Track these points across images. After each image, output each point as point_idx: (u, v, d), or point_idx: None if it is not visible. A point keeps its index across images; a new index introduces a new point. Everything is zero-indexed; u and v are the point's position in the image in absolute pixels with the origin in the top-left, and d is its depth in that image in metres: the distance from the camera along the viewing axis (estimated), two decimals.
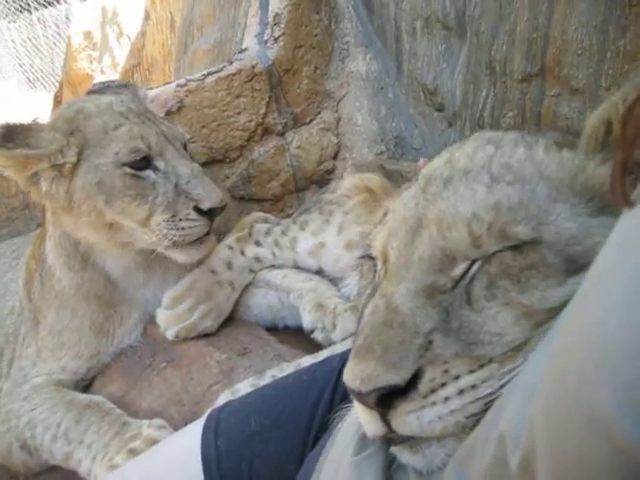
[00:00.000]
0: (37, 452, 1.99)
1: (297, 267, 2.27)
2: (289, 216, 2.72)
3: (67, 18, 11.43)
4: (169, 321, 2.13)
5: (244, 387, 1.75)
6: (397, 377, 0.78)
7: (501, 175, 0.90)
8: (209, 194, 1.99)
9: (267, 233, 2.32)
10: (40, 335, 2.12)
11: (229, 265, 2.28)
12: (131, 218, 1.96)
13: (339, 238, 2.14)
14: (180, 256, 2.05)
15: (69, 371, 2.11)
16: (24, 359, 2.12)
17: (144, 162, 1.95)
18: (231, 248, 2.31)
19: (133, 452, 1.73)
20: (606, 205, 0.84)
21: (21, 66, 13.51)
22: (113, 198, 1.93)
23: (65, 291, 2.10)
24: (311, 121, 2.93)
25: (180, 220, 1.96)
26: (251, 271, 2.32)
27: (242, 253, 2.30)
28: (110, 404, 1.98)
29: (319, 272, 2.26)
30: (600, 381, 0.51)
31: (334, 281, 2.24)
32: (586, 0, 1.87)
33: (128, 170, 1.93)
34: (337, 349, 1.79)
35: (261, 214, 2.57)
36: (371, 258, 1.04)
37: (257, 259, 2.31)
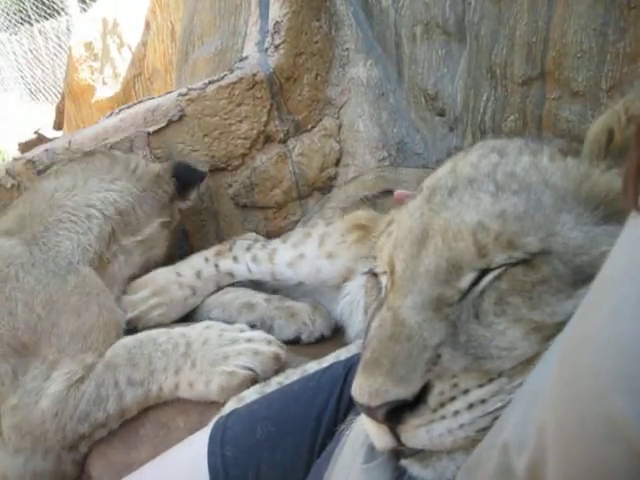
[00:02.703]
0: (91, 438, 1.87)
1: (275, 280, 2.27)
2: (293, 223, 2.73)
3: (68, 29, 11.47)
4: (125, 307, 2.22)
5: (250, 394, 1.74)
6: (405, 391, 0.78)
7: (506, 184, 0.89)
8: None
9: (248, 249, 2.32)
10: (42, 354, 1.89)
11: (198, 274, 2.32)
12: None
13: (320, 250, 2.14)
14: None
15: (89, 366, 1.92)
16: (28, 383, 1.85)
17: None
18: (206, 260, 2.34)
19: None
20: (611, 213, 0.84)
21: (23, 78, 13.56)
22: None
23: (87, 283, 2.02)
24: (313, 128, 2.93)
25: None
26: (217, 284, 2.34)
27: (216, 266, 2.33)
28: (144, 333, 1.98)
29: (299, 285, 2.26)
30: (616, 388, 0.51)
31: (322, 292, 2.25)
32: (585, 3, 1.88)
33: None
34: (342, 355, 1.79)
35: (253, 235, 2.60)
36: (374, 275, 1.04)
37: (230, 274, 2.33)
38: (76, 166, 2.32)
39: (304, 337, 2.20)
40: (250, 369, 1.83)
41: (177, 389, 1.86)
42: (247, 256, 2.30)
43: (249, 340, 1.91)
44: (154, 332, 1.97)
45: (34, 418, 1.83)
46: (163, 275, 2.32)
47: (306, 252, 2.17)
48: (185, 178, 2.46)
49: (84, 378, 1.86)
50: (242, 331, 1.97)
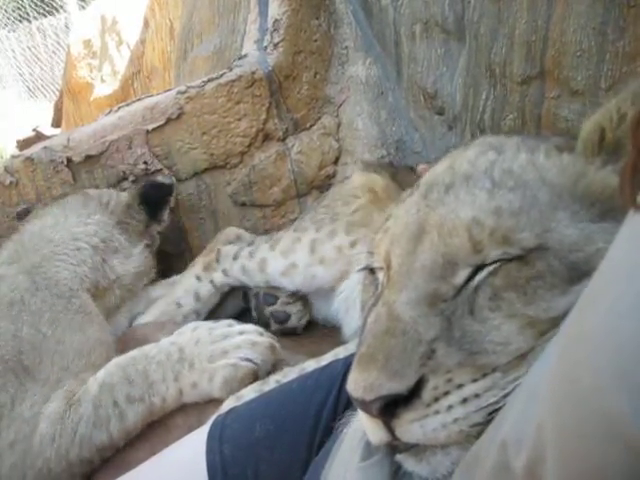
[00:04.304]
0: (99, 460, 1.83)
1: (269, 286, 2.29)
2: (291, 222, 2.72)
3: (66, 27, 11.47)
4: None
5: (248, 393, 1.74)
6: (400, 385, 0.78)
7: (503, 181, 0.89)
8: None
9: (235, 258, 2.33)
10: (43, 377, 1.85)
11: (196, 297, 2.35)
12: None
13: (312, 257, 2.14)
14: None
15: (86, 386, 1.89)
16: (25, 412, 1.78)
17: None
18: (199, 278, 2.36)
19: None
20: (607, 210, 0.84)
21: (21, 75, 13.55)
22: None
23: (89, 304, 2.11)
24: (312, 126, 2.93)
25: None
26: (218, 295, 2.39)
27: (211, 282, 2.36)
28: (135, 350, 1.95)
29: (296, 292, 2.27)
30: (613, 385, 0.51)
31: (319, 296, 2.26)
32: (584, 2, 1.87)
33: None
34: (340, 353, 1.79)
35: (234, 230, 2.63)
36: (372, 271, 1.04)
37: (226, 285, 2.38)
38: (53, 208, 2.41)
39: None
40: (251, 360, 1.83)
41: (181, 395, 1.84)
42: (235, 267, 2.31)
43: (241, 333, 1.92)
44: (145, 347, 1.94)
45: (34, 447, 1.75)
46: (164, 311, 2.34)
47: (297, 261, 2.17)
48: (154, 199, 2.51)
49: (80, 400, 1.81)
50: (231, 325, 1.97)
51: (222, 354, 1.84)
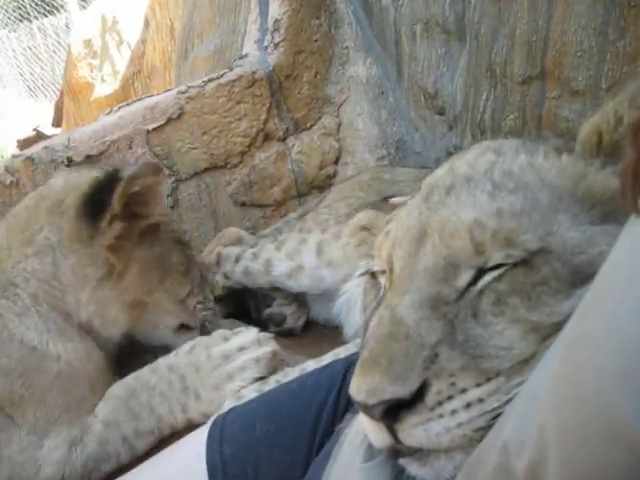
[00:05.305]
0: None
1: (273, 287, 2.27)
2: None
3: (67, 27, 11.50)
4: None
5: (249, 392, 1.74)
6: (403, 389, 0.78)
7: (503, 182, 0.89)
8: None
9: (236, 260, 2.30)
10: (29, 425, 1.72)
11: None
12: (174, 296, 1.98)
13: (320, 259, 2.11)
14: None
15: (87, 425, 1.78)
16: (15, 456, 1.68)
17: None
18: None
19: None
20: (608, 212, 0.84)
21: (21, 75, 13.57)
22: (166, 274, 1.95)
23: (73, 364, 1.81)
24: (312, 126, 2.93)
25: (207, 301, 2.07)
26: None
27: None
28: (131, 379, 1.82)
29: (300, 294, 2.26)
30: (616, 386, 0.51)
31: (320, 297, 2.25)
32: (585, 2, 1.87)
33: (181, 246, 2.03)
34: (341, 353, 1.79)
35: (235, 231, 2.58)
36: (373, 275, 1.03)
37: (227, 288, 2.35)
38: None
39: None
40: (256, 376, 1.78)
41: (191, 422, 1.76)
42: (238, 270, 2.28)
43: (240, 348, 1.82)
44: (141, 375, 1.81)
45: None
46: None
47: (304, 263, 2.15)
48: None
49: (84, 440, 1.72)
50: (226, 339, 1.84)
51: (227, 379, 1.76)
